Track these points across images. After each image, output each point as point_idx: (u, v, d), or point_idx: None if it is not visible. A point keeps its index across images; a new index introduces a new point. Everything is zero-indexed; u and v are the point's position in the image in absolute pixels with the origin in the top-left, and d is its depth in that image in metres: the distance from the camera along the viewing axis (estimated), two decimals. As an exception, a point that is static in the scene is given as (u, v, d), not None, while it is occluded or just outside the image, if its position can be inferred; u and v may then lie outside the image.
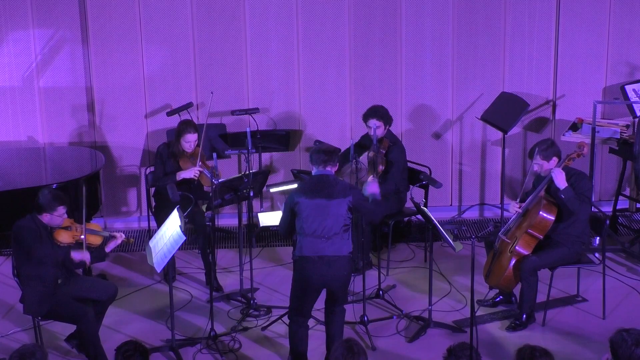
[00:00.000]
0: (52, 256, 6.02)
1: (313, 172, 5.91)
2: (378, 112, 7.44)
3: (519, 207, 6.60)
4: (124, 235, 6.31)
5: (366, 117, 7.47)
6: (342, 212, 5.76)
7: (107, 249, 6.26)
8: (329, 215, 5.73)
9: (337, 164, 5.91)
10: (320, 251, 5.74)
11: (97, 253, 6.25)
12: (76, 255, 6.11)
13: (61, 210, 6.02)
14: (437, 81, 8.51)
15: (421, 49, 8.43)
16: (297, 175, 7.28)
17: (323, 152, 5.86)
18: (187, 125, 7.31)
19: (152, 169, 7.60)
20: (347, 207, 5.77)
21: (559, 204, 6.44)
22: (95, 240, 6.25)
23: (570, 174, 6.49)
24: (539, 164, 6.53)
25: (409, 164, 7.74)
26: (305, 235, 5.76)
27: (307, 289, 5.84)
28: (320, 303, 6.08)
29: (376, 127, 7.34)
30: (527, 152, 8.48)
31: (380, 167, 7.41)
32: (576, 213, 6.42)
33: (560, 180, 6.40)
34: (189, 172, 7.24)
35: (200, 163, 7.23)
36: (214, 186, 6.55)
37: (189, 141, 7.25)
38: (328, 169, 5.85)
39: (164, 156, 7.32)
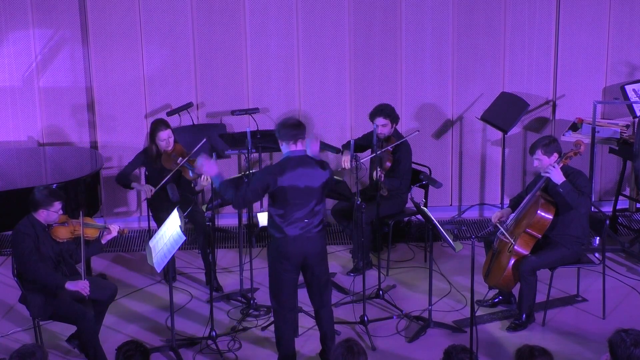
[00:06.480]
0: (51, 258, 6.04)
1: (283, 150, 5.73)
2: (384, 111, 7.45)
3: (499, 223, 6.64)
4: (118, 227, 6.32)
5: (373, 115, 7.46)
6: (321, 187, 5.73)
7: (103, 241, 6.28)
8: (314, 195, 5.69)
9: (305, 138, 5.77)
10: (306, 230, 5.71)
11: (94, 245, 6.27)
12: (70, 286, 5.95)
13: (57, 205, 6.04)
14: (437, 81, 8.51)
15: (421, 49, 8.43)
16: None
17: (291, 127, 5.68)
18: (157, 124, 7.31)
19: (151, 169, 7.61)
20: (323, 182, 5.73)
21: (558, 200, 6.42)
22: (92, 233, 6.28)
23: (567, 172, 6.48)
24: (539, 159, 6.50)
25: (409, 164, 7.75)
26: (289, 218, 5.70)
27: (285, 264, 5.75)
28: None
29: (382, 126, 7.35)
30: (527, 152, 8.48)
31: (388, 164, 7.41)
32: (576, 207, 6.38)
33: (557, 176, 6.38)
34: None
35: (180, 159, 7.19)
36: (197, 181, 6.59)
37: (163, 139, 7.24)
38: (299, 145, 5.70)
39: (147, 162, 7.36)
